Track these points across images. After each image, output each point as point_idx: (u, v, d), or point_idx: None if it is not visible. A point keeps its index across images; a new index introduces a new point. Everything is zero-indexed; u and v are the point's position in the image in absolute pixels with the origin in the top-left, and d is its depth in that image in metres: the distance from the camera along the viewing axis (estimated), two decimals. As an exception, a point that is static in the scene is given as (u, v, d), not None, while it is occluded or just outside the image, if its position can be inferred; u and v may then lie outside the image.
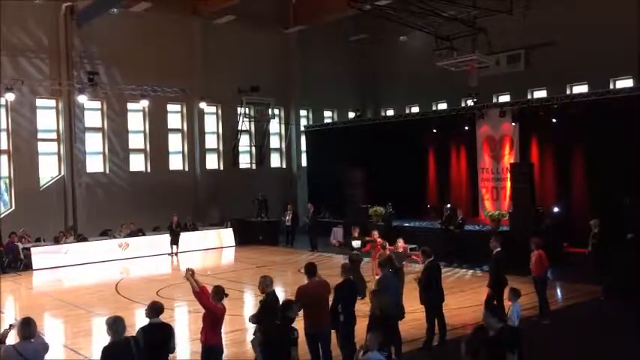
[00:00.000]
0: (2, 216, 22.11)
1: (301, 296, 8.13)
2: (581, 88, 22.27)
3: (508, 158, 20.87)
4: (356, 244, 14.17)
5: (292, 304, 7.31)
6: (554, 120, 19.20)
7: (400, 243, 13.06)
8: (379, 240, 13.67)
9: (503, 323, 6.32)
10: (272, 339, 6.95)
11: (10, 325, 6.82)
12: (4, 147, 22.57)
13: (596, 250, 14.35)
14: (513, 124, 20.52)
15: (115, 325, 6.22)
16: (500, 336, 6.02)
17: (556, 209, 18.82)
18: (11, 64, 22.16)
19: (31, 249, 20.01)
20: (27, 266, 19.65)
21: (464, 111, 22.61)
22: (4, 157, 22.64)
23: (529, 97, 23.54)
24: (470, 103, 22.86)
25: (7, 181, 22.80)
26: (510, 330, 6.48)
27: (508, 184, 20.31)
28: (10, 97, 21.29)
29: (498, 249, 11.26)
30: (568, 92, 22.21)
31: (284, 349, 6.73)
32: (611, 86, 21.36)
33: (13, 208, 22.59)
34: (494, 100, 24.82)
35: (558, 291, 14.32)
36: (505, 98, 24.51)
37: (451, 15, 19.14)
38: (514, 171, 18.89)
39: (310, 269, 8.55)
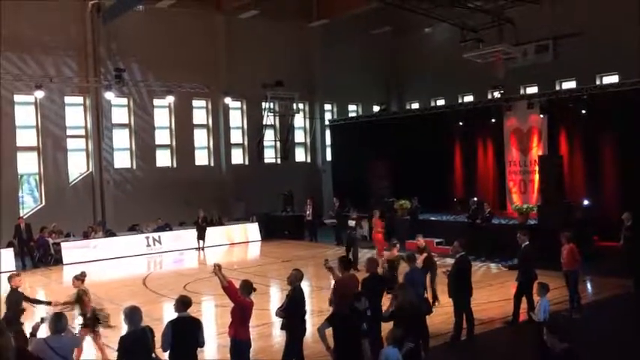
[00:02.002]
0: (33, 212, 22.52)
1: (340, 288, 8.37)
2: (611, 79, 21.82)
3: (536, 151, 20.52)
4: (351, 222, 17.87)
5: (361, 297, 7.34)
6: (583, 111, 18.80)
7: (420, 239, 13.02)
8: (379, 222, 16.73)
9: (567, 343, 5.43)
10: (341, 329, 6.85)
11: (42, 319, 6.93)
12: (34, 144, 23.00)
13: (628, 244, 14.07)
14: (541, 115, 20.13)
15: (132, 315, 6.34)
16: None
17: (586, 202, 18.46)
18: (40, 62, 22.54)
19: (61, 244, 20.33)
20: (57, 261, 19.99)
21: (491, 103, 22.26)
22: (34, 154, 23.06)
23: (557, 88, 23.14)
24: (497, 95, 22.52)
25: (37, 177, 23.23)
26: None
27: (536, 177, 19.99)
28: (40, 94, 21.61)
29: (527, 243, 11.14)
30: (597, 83, 21.78)
31: (353, 339, 6.70)
32: (642, 76, 20.87)
33: (43, 204, 23.03)
34: (522, 91, 24.45)
35: (588, 285, 14.08)
36: (533, 90, 24.13)
37: (477, 6, 18.88)
38: (542, 164, 18.58)
39: (346, 263, 8.80)
